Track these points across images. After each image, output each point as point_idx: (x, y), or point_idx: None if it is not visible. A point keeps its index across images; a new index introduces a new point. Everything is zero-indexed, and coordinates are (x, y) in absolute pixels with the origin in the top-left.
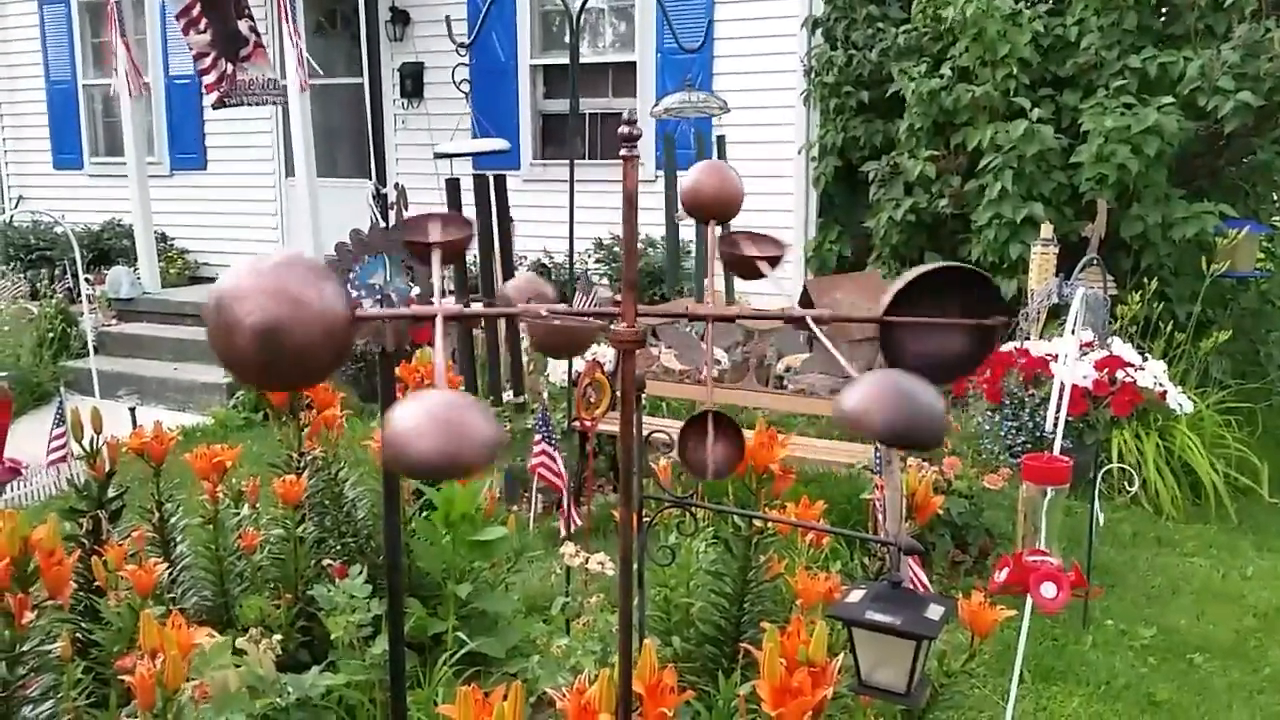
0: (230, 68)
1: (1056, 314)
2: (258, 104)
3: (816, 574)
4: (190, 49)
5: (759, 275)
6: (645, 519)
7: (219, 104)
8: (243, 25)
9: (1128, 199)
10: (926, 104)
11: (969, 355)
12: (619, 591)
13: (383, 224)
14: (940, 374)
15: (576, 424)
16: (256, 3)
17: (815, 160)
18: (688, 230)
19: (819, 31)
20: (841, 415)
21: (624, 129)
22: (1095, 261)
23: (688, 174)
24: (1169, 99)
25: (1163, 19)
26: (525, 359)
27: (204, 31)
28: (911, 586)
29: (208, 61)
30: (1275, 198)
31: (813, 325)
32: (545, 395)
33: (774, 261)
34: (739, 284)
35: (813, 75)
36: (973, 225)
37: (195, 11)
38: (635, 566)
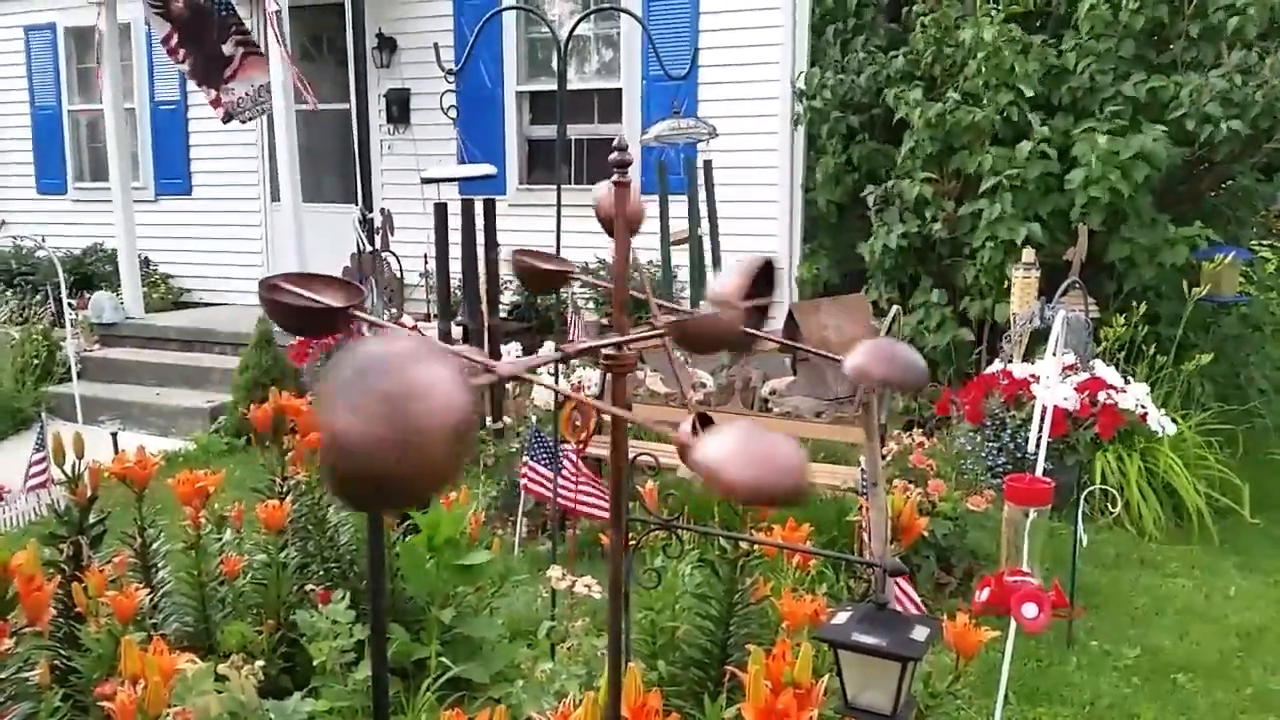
0: (214, 93)
1: (1042, 337)
2: (251, 117)
3: (802, 596)
4: (180, 74)
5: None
6: (631, 542)
7: (226, 118)
8: (227, 46)
9: (1115, 223)
10: (935, 127)
11: None
12: (609, 614)
13: (369, 249)
14: None
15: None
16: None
17: (809, 188)
18: (680, 254)
19: (808, 56)
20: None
21: (615, 155)
22: (1077, 285)
23: (596, 189)
24: (1160, 126)
25: (1156, 41)
26: (510, 383)
27: (184, 61)
28: (900, 607)
29: (195, 85)
30: (1255, 222)
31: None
32: (533, 418)
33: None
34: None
35: (803, 99)
36: (968, 248)
37: (174, 41)
38: (622, 590)
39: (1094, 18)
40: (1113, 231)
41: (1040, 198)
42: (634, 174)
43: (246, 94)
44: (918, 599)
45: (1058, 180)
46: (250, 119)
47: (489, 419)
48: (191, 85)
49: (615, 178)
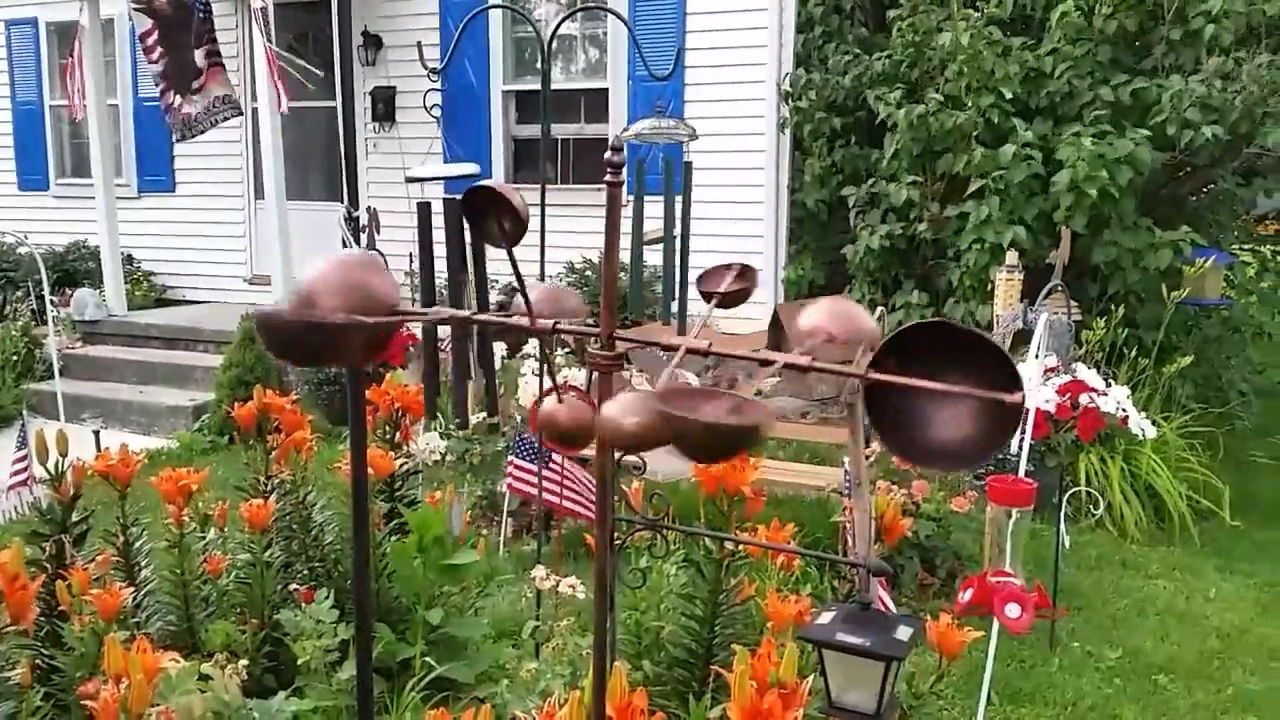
0: (178, 100)
1: (1024, 339)
2: (203, 131)
3: (787, 596)
4: (153, 75)
5: (737, 304)
6: (616, 541)
7: (180, 136)
8: (199, 54)
9: (1098, 226)
10: (917, 129)
11: (981, 439)
12: (594, 614)
13: (355, 247)
14: (941, 457)
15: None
16: (227, 26)
17: (795, 188)
18: (654, 255)
19: (794, 56)
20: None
21: (609, 155)
22: (1059, 288)
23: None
24: (1144, 130)
25: (1135, 46)
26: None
27: (157, 61)
28: (881, 606)
29: (161, 88)
30: (1236, 226)
31: (800, 364)
32: (517, 418)
33: (745, 294)
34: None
35: (789, 101)
36: (953, 250)
37: (151, 40)
38: (607, 589)
39: (1066, 24)
40: (1096, 235)
41: (1024, 201)
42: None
43: (205, 108)
44: (890, 603)
45: (1041, 183)
46: (198, 134)
47: (482, 415)
48: (157, 90)
49: (608, 178)
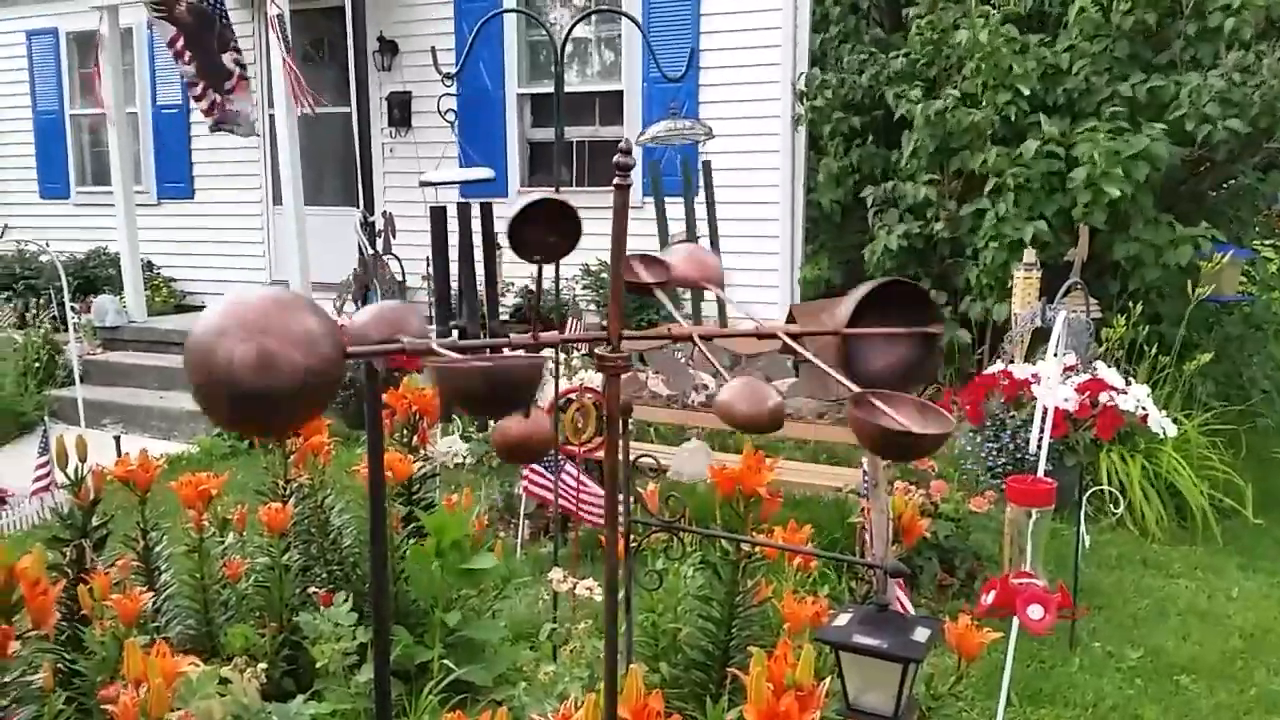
0: (219, 97)
1: (1043, 337)
2: (245, 135)
3: (804, 598)
4: (182, 78)
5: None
6: (632, 544)
7: (216, 127)
8: (227, 58)
9: (1117, 222)
10: (934, 126)
11: (920, 363)
12: (604, 615)
13: (371, 251)
14: (897, 383)
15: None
16: (244, 33)
17: (810, 189)
18: None
19: (809, 56)
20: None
21: (618, 158)
22: (1078, 285)
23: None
24: (1160, 125)
25: (1153, 41)
26: None
27: (189, 64)
28: (899, 607)
29: (198, 90)
30: (1258, 222)
31: (788, 341)
32: None
33: (666, 283)
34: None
35: (804, 100)
36: (970, 248)
37: (179, 45)
38: (622, 592)
39: (1083, 20)
40: (1116, 231)
41: (1045, 197)
42: (634, 174)
43: (243, 111)
44: (907, 601)
45: (1061, 180)
46: (245, 135)
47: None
48: (194, 91)
49: (616, 180)
